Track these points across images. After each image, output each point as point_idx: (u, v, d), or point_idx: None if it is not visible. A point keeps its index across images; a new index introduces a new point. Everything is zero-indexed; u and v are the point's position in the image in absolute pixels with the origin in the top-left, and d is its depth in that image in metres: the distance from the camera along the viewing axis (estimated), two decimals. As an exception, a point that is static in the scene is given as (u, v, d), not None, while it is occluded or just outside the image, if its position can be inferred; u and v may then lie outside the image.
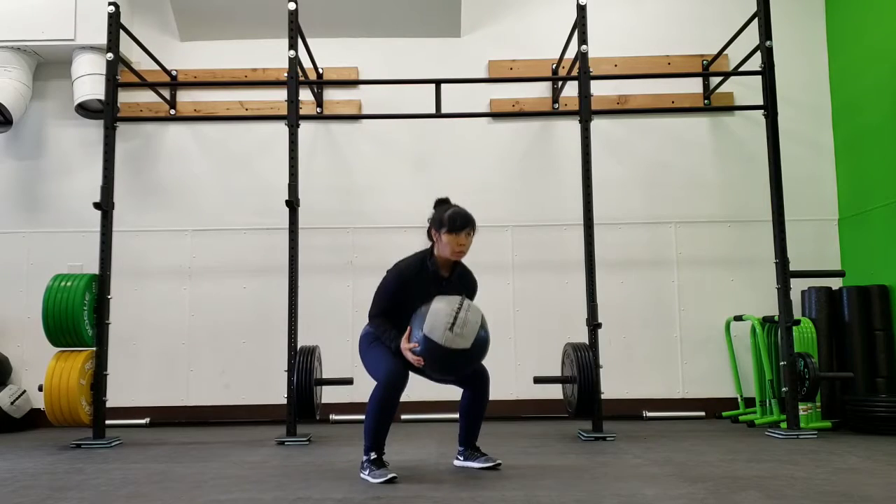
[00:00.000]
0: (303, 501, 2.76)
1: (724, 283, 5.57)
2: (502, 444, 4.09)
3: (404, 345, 3.08)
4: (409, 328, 3.09)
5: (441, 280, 3.28)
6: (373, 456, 3.15)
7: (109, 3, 4.70)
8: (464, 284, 3.34)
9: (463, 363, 3.10)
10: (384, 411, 3.14)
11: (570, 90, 5.40)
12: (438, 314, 3.04)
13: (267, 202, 5.49)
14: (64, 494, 2.95)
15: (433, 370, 3.12)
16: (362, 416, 5.13)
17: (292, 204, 4.54)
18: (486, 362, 3.35)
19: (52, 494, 2.95)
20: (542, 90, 5.80)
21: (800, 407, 4.50)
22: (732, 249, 5.59)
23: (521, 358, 5.48)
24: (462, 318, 3.05)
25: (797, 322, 4.51)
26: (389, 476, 3.05)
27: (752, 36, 4.89)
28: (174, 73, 5.73)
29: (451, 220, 3.17)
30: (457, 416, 3.47)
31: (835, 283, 5.29)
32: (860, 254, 5.36)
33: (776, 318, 4.63)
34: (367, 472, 3.13)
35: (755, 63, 4.85)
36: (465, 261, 3.35)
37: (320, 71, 5.70)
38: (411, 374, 3.23)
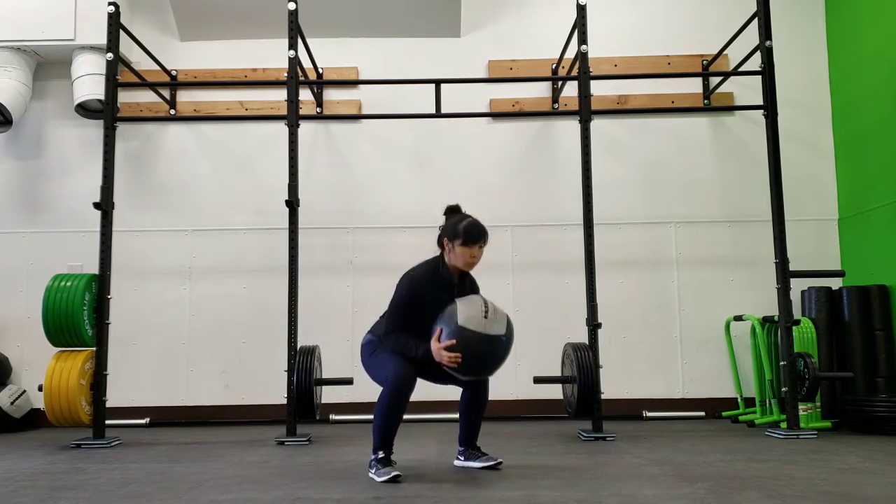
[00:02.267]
0: (303, 501, 2.76)
1: (724, 283, 5.57)
2: (502, 444, 4.09)
3: (436, 346, 3.03)
4: (438, 330, 3.05)
5: (453, 287, 3.28)
6: (380, 455, 3.15)
7: (109, 3, 4.70)
8: (472, 290, 3.38)
9: (501, 351, 3.10)
10: (393, 413, 3.12)
11: (570, 90, 5.40)
12: (470, 308, 3.07)
13: (267, 202, 5.49)
14: (64, 494, 2.95)
15: (471, 363, 3.04)
16: (362, 416, 5.21)
17: (292, 204, 4.54)
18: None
19: (52, 494, 2.95)
20: (541, 90, 5.80)
21: (800, 407, 4.50)
22: (732, 249, 5.60)
23: (520, 358, 5.46)
24: (492, 307, 3.11)
25: (797, 322, 4.51)
26: (393, 474, 3.05)
27: (752, 36, 4.89)
28: (174, 73, 5.73)
29: (467, 232, 3.17)
30: (457, 416, 3.47)
31: (835, 283, 5.29)
32: (860, 254, 5.36)
33: (776, 318, 4.63)
34: (373, 471, 3.14)
35: (755, 63, 4.85)
36: None
37: (320, 71, 5.70)
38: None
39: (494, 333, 3.06)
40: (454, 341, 3.01)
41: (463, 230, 3.16)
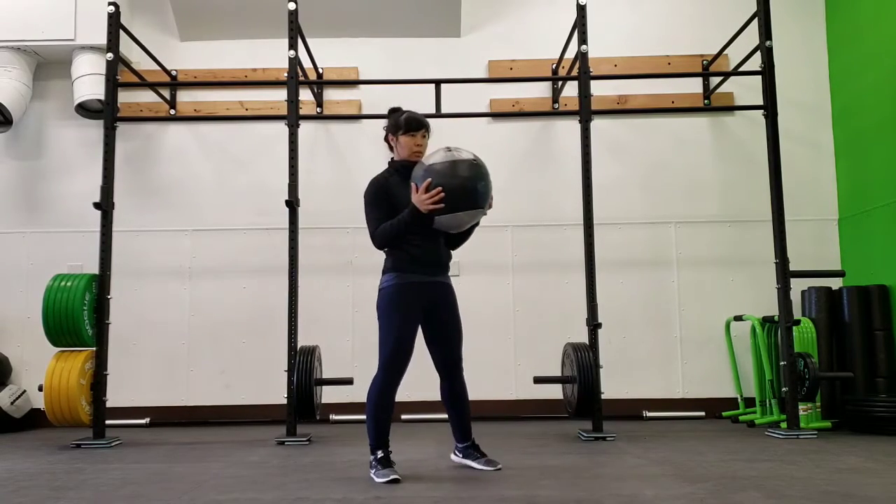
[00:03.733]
0: (303, 501, 2.76)
1: (724, 283, 5.57)
2: (502, 444, 4.09)
3: (416, 197, 3.05)
4: (413, 186, 3.08)
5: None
6: (379, 455, 3.15)
7: (109, 3, 4.70)
8: None
9: (477, 171, 3.08)
10: (383, 402, 3.16)
11: (570, 90, 5.40)
12: (431, 153, 3.14)
13: (267, 202, 5.49)
14: (64, 494, 2.95)
15: (455, 191, 3.01)
16: (362, 416, 5.16)
17: (292, 204, 4.54)
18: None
19: (52, 494, 2.95)
20: (542, 90, 5.80)
21: (800, 407, 4.50)
22: (732, 249, 5.60)
23: (520, 358, 5.48)
24: (452, 147, 3.15)
25: (797, 322, 4.51)
26: (392, 477, 3.05)
27: (752, 36, 4.89)
28: (174, 73, 5.73)
29: (407, 122, 3.30)
30: (456, 415, 3.47)
31: (835, 283, 5.29)
32: (860, 254, 5.36)
33: (776, 318, 4.63)
34: (373, 472, 3.14)
35: (755, 63, 4.85)
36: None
37: (320, 71, 5.70)
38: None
39: (464, 158, 3.09)
40: (430, 180, 3.01)
41: (404, 121, 3.29)
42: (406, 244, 3.21)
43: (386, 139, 3.39)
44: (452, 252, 3.40)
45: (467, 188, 3.05)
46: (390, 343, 3.16)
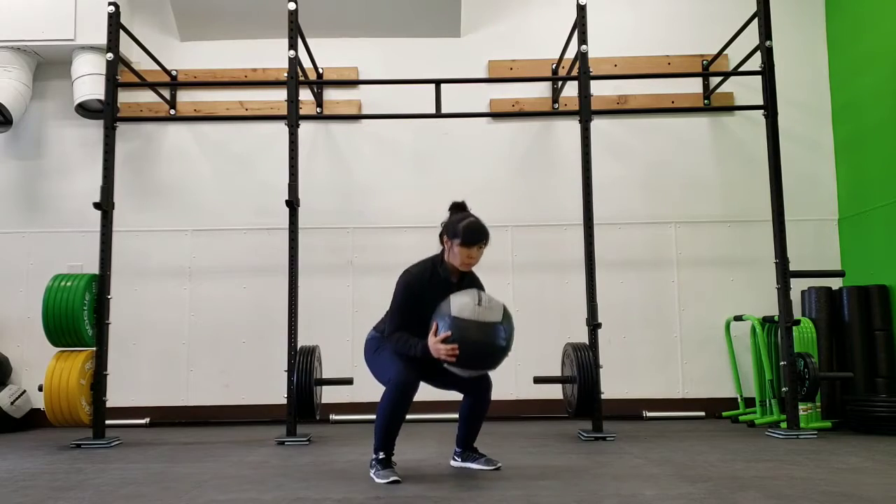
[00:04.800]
0: (302, 501, 2.76)
1: (724, 283, 5.57)
2: (502, 444, 4.09)
3: (433, 341, 2.96)
4: (434, 325, 2.98)
5: (451, 285, 3.22)
6: (381, 456, 3.14)
7: (109, 3, 4.70)
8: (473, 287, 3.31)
9: (499, 340, 2.99)
10: (394, 416, 3.09)
11: (570, 90, 5.40)
12: (462, 297, 3.01)
13: (267, 202, 5.49)
14: (64, 494, 2.95)
15: (469, 353, 2.94)
16: (362, 416, 5.21)
17: (292, 204, 4.54)
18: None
19: (52, 494, 2.95)
20: (542, 90, 5.80)
21: (800, 407, 4.50)
22: (732, 249, 5.60)
23: (520, 358, 5.47)
24: (485, 297, 3.04)
25: (797, 322, 4.51)
26: (392, 479, 3.05)
27: (752, 36, 4.89)
28: (174, 73, 5.74)
29: (466, 232, 3.11)
30: (456, 415, 3.46)
31: (835, 283, 5.29)
32: (860, 254, 5.36)
33: (776, 318, 4.63)
34: (373, 472, 3.14)
35: (755, 63, 4.85)
36: None
37: (320, 71, 5.70)
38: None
39: (490, 320, 2.97)
40: (449, 333, 2.92)
41: (462, 230, 3.11)
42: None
43: (441, 237, 3.23)
44: None
45: (484, 353, 2.99)
46: (393, 363, 3.12)
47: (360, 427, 5.06)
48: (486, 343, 2.97)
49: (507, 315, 3.06)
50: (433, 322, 3.01)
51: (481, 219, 3.21)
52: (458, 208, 3.27)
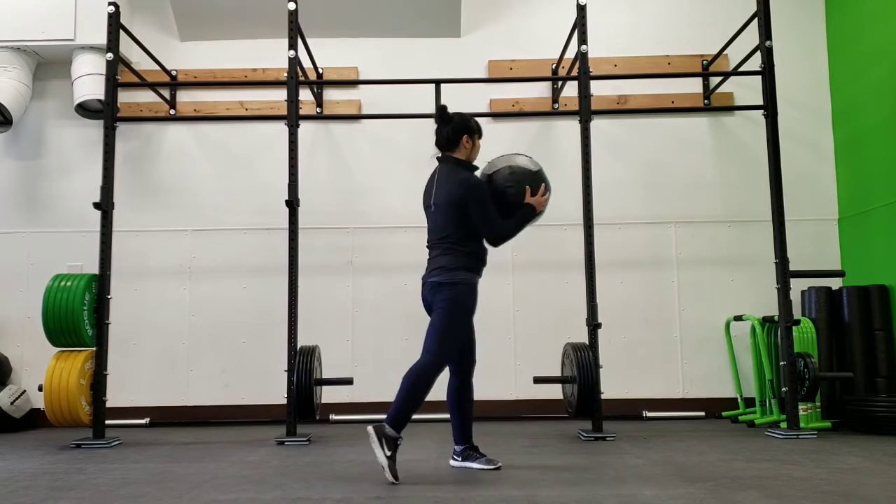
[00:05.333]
0: (303, 501, 2.76)
1: (724, 283, 5.57)
2: (502, 444, 4.09)
3: (536, 199, 3.42)
4: (527, 189, 3.40)
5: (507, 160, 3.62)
6: (393, 434, 3.11)
7: (109, 3, 4.71)
8: None
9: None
10: (423, 389, 3.17)
11: (570, 90, 5.40)
12: (518, 159, 3.56)
13: (267, 202, 5.49)
14: (64, 494, 2.95)
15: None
16: (362, 416, 5.20)
17: (292, 204, 4.54)
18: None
19: (52, 494, 2.96)
20: (542, 90, 5.80)
21: (800, 407, 4.50)
22: (732, 249, 5.59)
23: (520, 358, 5.48)
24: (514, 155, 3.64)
25: (797, 322, 4.51)
26: (389, 471, 3.03)
27: (752, 36, 4.89)
28: (174, 73, 5.73)
29: (479, 127, 3.58)
30: (456, 415, 3.47)
31: (835, 283, 5.29)
32: (860, 254, 5.36)
33: (776, 318, 4.63)
34: (379, 445, 3.08)
35: (755, 63, 4.85)
36: None
37: (320, 71, 5.70)
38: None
39: (535, 162, 3.59)
40: (543, 186, 3.46)
41: (477, 125, 3.56)
42: (480, 248, 3.40)
43: (457, 141, 3.48)
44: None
45: (548, 186, 3.51)
46: (457, 338, 3.28)
47: (360, 427, 5.04)
48: (548, 184, 3.53)
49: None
50: (522, 187, 3.40)
51: None
52: (448, 113, 3.55)
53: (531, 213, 3.44)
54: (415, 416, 5.12)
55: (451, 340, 3.26)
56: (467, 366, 3.42)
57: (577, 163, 4.64)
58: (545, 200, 3.45)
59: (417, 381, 3.16)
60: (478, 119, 3.60)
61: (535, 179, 3.44)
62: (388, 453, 3.06)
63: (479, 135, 3.55)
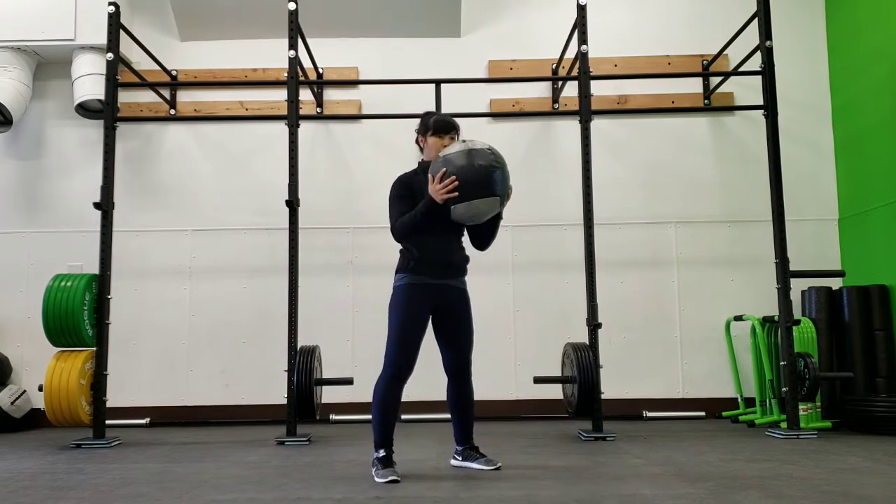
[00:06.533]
0: (303, 501, 2.76)
1: (724, 283, 5.57)
2: (502, 444, 4.09)
3: (432, 187, 3.09)
4: (429, 177, 3.13)
5: None
6: (381, 454, 3.15)
7: (109, 3, 4.71)
8: None
9: (491, 161, 3.11)
10: (387, 402, 3.15)
11: (570, 90, 5.40)
12: (447, 147, 3.20)
13: (267, 202, 5.49)
14: (64, 494, 2.95)
15: (469, 179, 3.04)
16: (362, 416, 5.21)
17: (292, 204, 4.54)
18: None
19: (52, 494, 2.95)
20: (542, 90, 5.80)
21: (800, 407, 4.50)
22: (732, 249, 5.60)
23: (520, 358, 5.48)
24: (468, 139, 3.21)
25: (797, 322, 4.51)
26: (391, 478, 3.05)
27: (752, 36, 4.89)
28: (174, 73, 5.73)
29: (436, 124, 3.33)
30: (456, 415, 3.47)
31: (835, 283, 5.29)
32: (860, 254, 5.36)
33: (776, 318, 4.63)
34: (374, 470, 3.15)
35: (755, 63, 4.85)
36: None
37: (320, 71, 5.70)
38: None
39: (477, 147, 3.12)
40: (444, 170, 3.06)
41: (433, 123, 3.33)
42: (416, 245, 3.24)
43: (416, 140, 3.43)
44: (482, 252, 3.43)
45: (481, 175, 3.07)
46: (396, 342, 3.19)
47: (360, 427, 5.07)
48: (483, 165, 3.09)
49: (491, 147, 3.17)
50: (428, 177, 3.14)
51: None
52: (428, 113, 3.47)
53: (425, 204, 3.13)
54: (415, 417, 5.18)
55: (391, 348, 3.17)
56: (452, 371, 3.34)
57: (577, 163, 4.64)
58: (442, 188, 3.04)
59: (374, 396, 3.17)
60: (458, 118, 3.43)
61: (447, 164, 3.08)
62: (386, 479, 3.06)
63: (434, 132, 3.31)
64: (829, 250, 5.59)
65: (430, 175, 3.13)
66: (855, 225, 5.43)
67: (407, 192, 3.28)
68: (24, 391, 5.34)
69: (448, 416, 3.46)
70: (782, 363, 4.49)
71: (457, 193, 3.05)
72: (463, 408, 3.40)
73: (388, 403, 3.16)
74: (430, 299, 3.25)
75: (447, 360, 3.35)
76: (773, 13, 4.74)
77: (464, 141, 3.19)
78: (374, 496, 2.82)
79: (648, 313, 5.55)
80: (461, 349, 3.35)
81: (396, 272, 3.32)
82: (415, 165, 3.42)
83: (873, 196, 5.19)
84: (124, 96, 5.63)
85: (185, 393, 5.50)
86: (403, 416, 5.14)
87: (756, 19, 4.77)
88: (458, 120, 5.58)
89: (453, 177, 3.04)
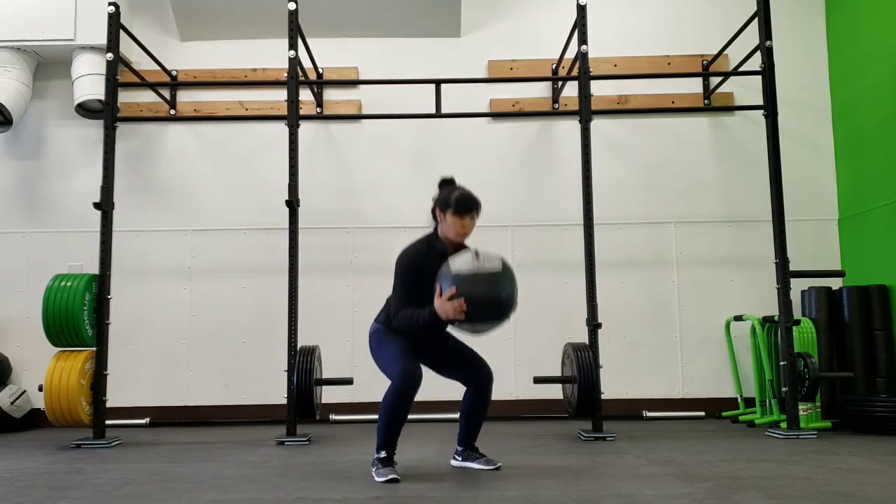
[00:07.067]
0: (303, 501, 2.76)
1: (724, 283, 5.57)
2: (502, 444, 4.09)
3: (439, 302, 2.99)
4: (438, 287, 3.02)
5: (448, 257, 3.21)
6: (382, 454, 3.14)
7: (109, 3, 4.70)
8: None
9: (503, 286, 3.03)
10: (397, 411, 3.10)
11: (570, 90, 5.40)
12: (459, 257, 3.07)
13: (267, 202, 5.49)
14: (64, 494, 2.95)
15: (478, 304, 2.97)
16: (362, 416, 5.21)
17: (292, 204, 4.54)
18: (486, 361, 3.37)
19: (52, 494, 2.95)
20: (542, 90, 5.80)
21: (800, 407, 4.50)
22: (732, 249, 5.60)
23: (520, 358, 5.48)
24: (482, 252, 3.08)
25: (797, 322, 4.51)
26: (391, 477, 3.05)
27: (752, 36, 4.89)
28: (174, 73, 5.73)
29: (458, 202, 3.16)
30: (456, 415, 3.47)
31: (835, 283, 5.29)
32: (860, 254, 5.36)
33: (776, 318, 4.63)
34: (374, 470, 3.14)
35: (755, 63, 4.85)
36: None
37: (320, 71, 5.70)
38: (425, 374, 3.21)
39: (490, 270, 3.02)
40: (454, 289, 2.95)
41: (455, 200, 3.16)
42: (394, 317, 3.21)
43: (433, 211, 3.27)
44: None
45: (492, 305, 3.02)
46: (394, 359, 3.14)
47: (360, 427, 5.07)
48: (491, 292, 3.01)
49: (505, 265, 3.09)
50: (438, 281, 3.04)
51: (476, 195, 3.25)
52: (447, 183, 3.32)
53: (430, 315, 3.03)
54: (415, 417, 5.15)
55: (394, 367, 3.12)
56: (477, 383, 3.34)
57: (577, 163, 4.64)
58: (451, 308, 2.94)
59: (384, 400, 3.12)
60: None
61: (458, 283, 2.97)
62: (386, 478, 3.05)
63: (455, 211, 3.14)
64: (829, 250, 5.59)
65: (438, 286, 3.02)
66: (855, 225, 5.43)
67: (414, 276, 3.16)
68: (24, 391, 5.34)
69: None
70: (782, 363, 4.49)
71: (464, 317, 2.97)
72: (478, 415, 3.39)
73: (398, 413, 3.11)
74: (415, 343, 3.24)
75: (468, 375, 3.33)
76: (773, 13, 4.73)
77: (476, 255, 3.05)
78: (374, 496, 2.82)
79: (648, 313, 5.55)
80: (474, 362, 3.34)
81: (375, 321, 3.32)
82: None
83: (873, 196, 5.19)
84: (124, 96, 5.62)
85: (185, 393, 5.50)
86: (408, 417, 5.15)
87: (756, 19, 4.77)
88: (457, 120, 5.62)
89: (462, 299, 2.94)
